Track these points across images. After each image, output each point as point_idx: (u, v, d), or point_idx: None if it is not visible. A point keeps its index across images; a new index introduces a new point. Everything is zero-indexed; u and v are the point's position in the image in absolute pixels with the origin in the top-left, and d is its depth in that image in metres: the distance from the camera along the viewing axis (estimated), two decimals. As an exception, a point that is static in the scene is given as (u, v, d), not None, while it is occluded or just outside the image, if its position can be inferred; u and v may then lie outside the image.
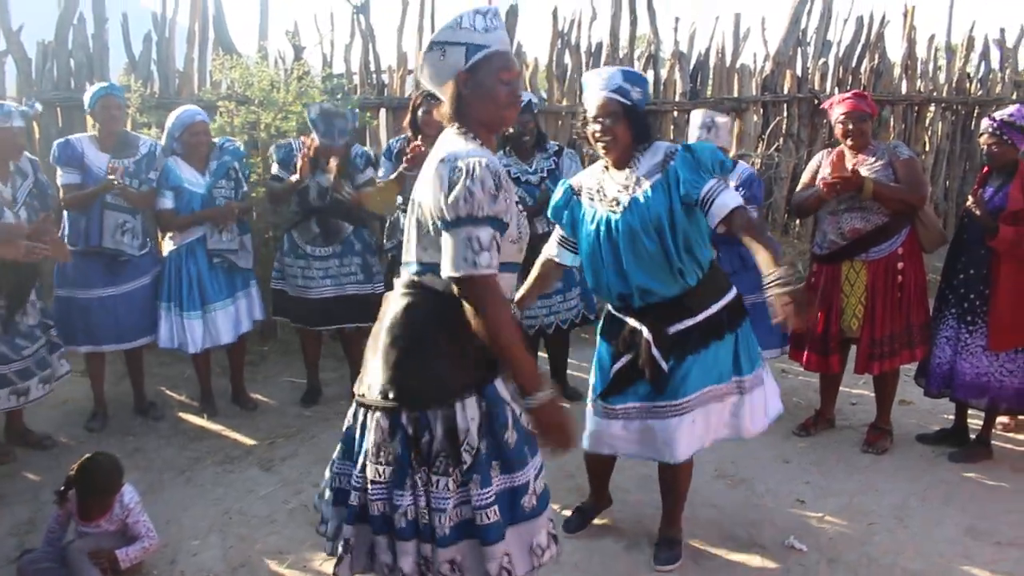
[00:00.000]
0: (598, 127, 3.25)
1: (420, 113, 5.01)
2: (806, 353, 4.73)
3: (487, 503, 2.43)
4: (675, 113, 7.90)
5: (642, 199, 3.23)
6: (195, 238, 4.90)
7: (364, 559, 2.58)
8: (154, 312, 4.94)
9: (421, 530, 2.45)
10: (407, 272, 2.51)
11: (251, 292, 5.15)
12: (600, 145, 3.29)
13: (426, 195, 2.36)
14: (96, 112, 4.74)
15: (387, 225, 5.34)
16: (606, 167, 3.38)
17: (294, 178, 4.90)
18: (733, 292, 3.45)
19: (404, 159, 4.79)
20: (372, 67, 7.00)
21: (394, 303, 2.52)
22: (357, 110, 5.31)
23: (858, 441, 4.76)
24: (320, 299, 5.10)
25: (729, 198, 3.15)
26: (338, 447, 2.68)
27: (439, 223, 2.30)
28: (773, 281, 2.97)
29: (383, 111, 6.91)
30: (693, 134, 4.75)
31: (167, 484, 4.28)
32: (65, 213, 4.77)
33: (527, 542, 2.55)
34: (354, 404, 2.60)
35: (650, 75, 8.05)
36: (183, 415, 5.17)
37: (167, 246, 4.99)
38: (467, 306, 2.32)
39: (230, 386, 5.35)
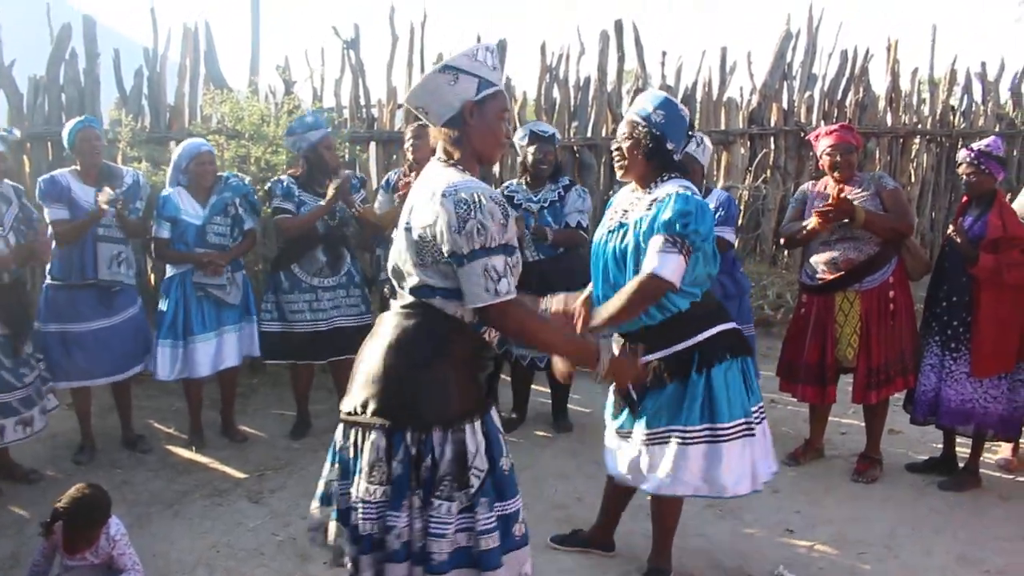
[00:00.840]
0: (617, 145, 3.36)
1: (411, 142, 5.13)
2: (801, 386, 4.75)
3: (491, 528, 2.46)
4: (663, 146, 7.95)
5: (629, 225, 3.25)
6: (188, 268, 4.93)
7: None
8: (144, 341, 4.98)
9: (413, 554, 2.45)
10: (408, 294, 2.53)
11: (245, 327, 5.14)
12: (615, 160, 3.37)
13: (426, 225, 2.40)
14: (77, 147, 4.74)
15: (381, 259, 5.37)
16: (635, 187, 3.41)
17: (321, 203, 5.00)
18: (707, 333, 3.28)
19: (396, 196, 5.00)
20: (362, 101, 7.07)
21: (396, 322, 2.53)
22: (327, 114, 5.38)
23: (848, 470, 4.77)
24: (331, 330, 5.14)
25: (654, 261, 3.08)
26: (334, 468, 2.64)
27: (451, 258, 2.36)
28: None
29: (373, 144, 6.96)
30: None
31: (154, 517, 4.25)
32: (53, 249, 4.74)
33: (515, 571, 2.56)
34: (343, 424, 2.59)
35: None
36: (171, 448, 5.14)
37: (168, 272, 5.06)
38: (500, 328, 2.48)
39: (219, 419, 5.33)
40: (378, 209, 5.30)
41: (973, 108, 10.08)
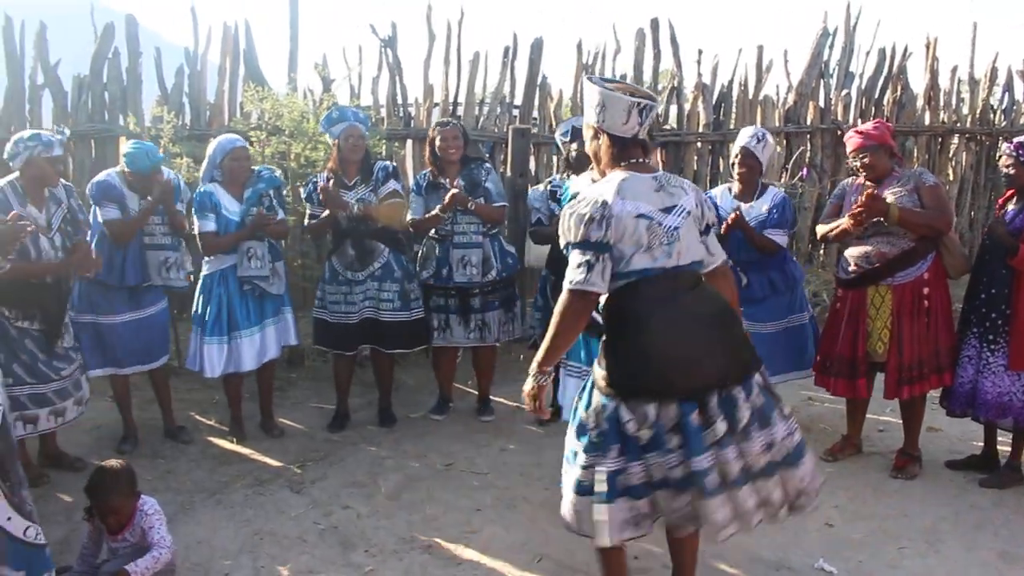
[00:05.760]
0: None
1: (439, 142, 5.18)
2: (833, 379, 4.74)
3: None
4: (699, 144, 7.95)
5: None
6: (228, 265, 4.97)
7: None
8: (167, 334, 5.10)
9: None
10: (698, 267, 3.08)
11: (284, 318, 5.22)
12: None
13: (699, 211, 3.07)
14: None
15: (419, 256, 5.42)
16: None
17: (325, 213, 5.05)
18: None
19: (440, 207, 5.10)
20: (399, 99, 7.12)
21: (705, 293, 3.07)
22: (356, 109, 5.44)
23: (886, 467, 4.74)
24: (360, 322, 5.19)
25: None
26: (610, 448, 2.94)
27: (707, 228, 3.13)
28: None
29: (409, 142, 7.01)
30: (742, 139, 4.98)
31: (198, 506, 4.32)
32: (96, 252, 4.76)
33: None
34: (672, 401, 2.89)
35: (673, 108, 8.14)
36: (212, 439, 5.22)
37: (203, 270, 5.09)
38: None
39: (258, 411, 5.40)
40: (412, 210, 5.32)
41: (1014, 106, 9.95)
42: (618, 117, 2.95)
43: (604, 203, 2.88)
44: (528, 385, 3.07)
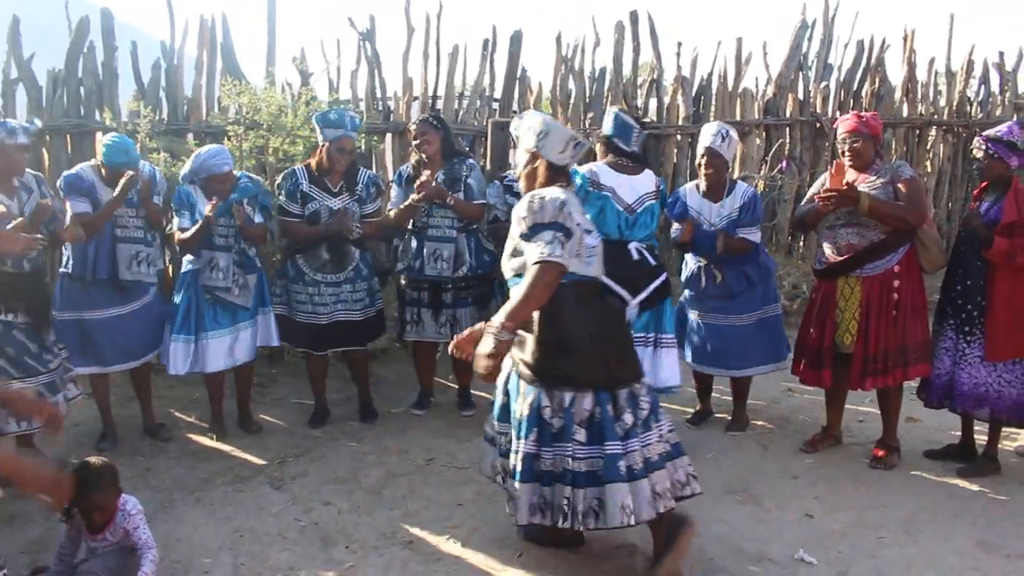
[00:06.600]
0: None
1: (412, 140, 5.23)
2: (803, 368, 4.79)
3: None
4: (678, 137, 7.97)
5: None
6: (199, 268, 4.95)
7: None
8: (159, 328, 5.01)
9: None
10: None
11: (264, 320, 5.17)
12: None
13: None
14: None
15: (398, 249, 5.40)
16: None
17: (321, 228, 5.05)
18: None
19: (414, 195, 5.05)
20: (378, 93, 7.08)
21: (611, 302, 3.60)
22: (354, 115, 5.33)
23: (866, 457, 4.77)
24: (331, 324, 5.15)
25: None
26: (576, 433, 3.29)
27: None
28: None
29: (389, 136, 6.99)
30: (706, 139, 4.89)
31: (177, 503, 4.29)
32: (69, 246, 4.77)
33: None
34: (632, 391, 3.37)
35: (653, 101, 8.14)
36: (193, 436, 5.18)
37: (183, 266, 5.06)
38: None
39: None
40: (392, 203, 5.31)
41: (991, 98, 10.02)
42: (557, 146, 3.33)
43: (566, 201, 3.20)
44: (487, 344, 3.11)
